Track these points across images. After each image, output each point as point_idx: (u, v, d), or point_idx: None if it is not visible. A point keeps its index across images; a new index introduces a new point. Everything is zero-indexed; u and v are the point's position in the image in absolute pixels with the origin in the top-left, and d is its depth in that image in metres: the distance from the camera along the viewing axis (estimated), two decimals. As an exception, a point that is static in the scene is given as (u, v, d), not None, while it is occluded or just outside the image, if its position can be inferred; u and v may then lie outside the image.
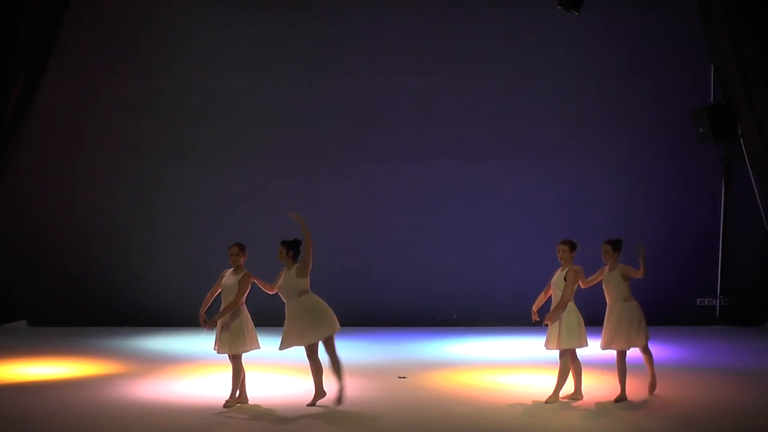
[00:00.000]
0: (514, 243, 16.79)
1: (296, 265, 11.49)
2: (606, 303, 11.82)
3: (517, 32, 16.65)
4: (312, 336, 11.39)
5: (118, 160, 16.67)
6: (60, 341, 15.31)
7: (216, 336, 11.56)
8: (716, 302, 16.92)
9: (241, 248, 11.82)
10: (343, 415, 11.24)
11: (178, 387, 12.46)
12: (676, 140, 16.63)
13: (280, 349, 11.49)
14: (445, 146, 16.77)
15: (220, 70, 16.62)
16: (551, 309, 11.71)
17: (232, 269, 11.77)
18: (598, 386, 12.21)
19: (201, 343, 15.08)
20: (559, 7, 14.70)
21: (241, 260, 11.78)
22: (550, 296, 11.86)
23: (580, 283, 11.79)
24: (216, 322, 11.50)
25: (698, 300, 16.86)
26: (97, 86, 16.53)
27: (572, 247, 11.86)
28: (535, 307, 11.91)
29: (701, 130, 15.71)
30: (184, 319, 16.20)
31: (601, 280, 11.84)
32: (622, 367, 11.72)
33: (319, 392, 11.49)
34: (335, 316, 11.53)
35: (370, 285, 16.63)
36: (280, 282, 11.54)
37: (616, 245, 11.84)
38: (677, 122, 16.46)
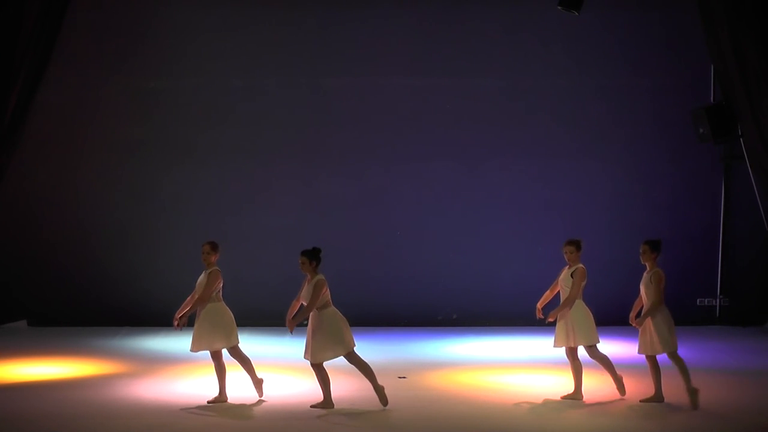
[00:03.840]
0: (514, 243, 16.80)
1: (316, 278, 11.35)
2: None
3: (517, 32, 16.65)
4: (327, 354, 11.30)
5: (118, 160, 16.67)
6: (60, 341, 15.31)
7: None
8: (716, 302, 16.93)
9: (213, 246, 11.77)
10: (343, 414, 11.24)
11: (178, 387, 12.46)
12: (676, 140, 16.63)
13: (304, 357, 11.43)
14: (445, 146, 16.77)
15: (220, 70, 16.62)
16: (559, 306, 11.71)
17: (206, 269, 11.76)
18: (598, 386, 12.20)
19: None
20: (559, 7, 14.70)
21: (213, 258, 11.71)
22: (556, 294, 11.86)
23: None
24: (185, 320, 11.49)
25: (698, 300, 16.87)
26: (97, 86, 16.53)
27: (578, 246, 11.84)
28: (539, 305, 11.91)
29: (701, 130, 15.71)
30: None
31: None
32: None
33: (327, 403, 11.48)
34: (351, 335, 11.40)
35: (370, 285, 16.63)
36: (302, 292, 11.44)
37: (654, 246, 11.71)
38: (677, 122, 16.47)
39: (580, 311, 11.71)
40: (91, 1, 16.01)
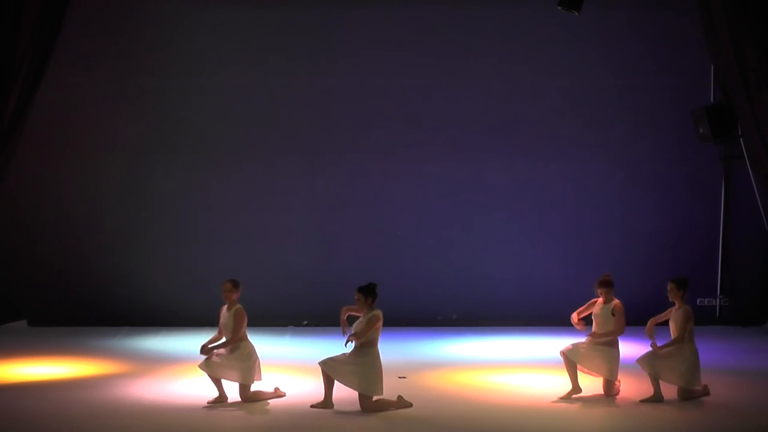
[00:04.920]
0: (513, 243, 16.78)
1: (370, 314, 11.33)
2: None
3: (517, 32, 16.64)
4: (352, 385, 11.33)
5: (118, 160, 16.66)
6: (60, 341, 15.30)
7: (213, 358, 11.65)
8: (716, 302, 16.92)
9: (235, 284, 11.74)
10: (343, 415, 11.24)
11: (178, 387, 12.46)
12: (676, 140, 16.63)
13: (321, 366, 11.44)
14: (445, 146, 16.76)
15: (219, 69, 16.60)
16: (598, 336, 11.87)
17: (226, 305, 11.75)
18: (597, 386, 12.18)
19: (200, 343, 15.08)
20: (559, 7, 14.68)
21: (234, 296, 11.71)
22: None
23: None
24: (211, 350, 11.56)
25: (698, 300, 16.84)
26: (96, 86, 16.52)
27: (613, 285, 11.95)
28: (577, 314, 12.01)
29: (701, 130, 15.71)
30: (184, 319, 16.21)
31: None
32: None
33: (328, 403, 11.47)
34: (381, 384, 11.38)
35: (370, 285, 16.60)
36: (355, 324, 11.45)
37: (680, 284, 11.89)
38: (677, 122, 16.46)
39: (616, 348, 11.92)
40: (91, 0, 16.00)
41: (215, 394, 11.70)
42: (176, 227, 16.72)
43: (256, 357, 11.73)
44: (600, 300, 12.00)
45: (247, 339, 11.75)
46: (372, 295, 11.35)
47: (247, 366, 11.62)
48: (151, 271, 16.68)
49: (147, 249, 16.71)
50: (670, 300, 11.92)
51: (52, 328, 16.28)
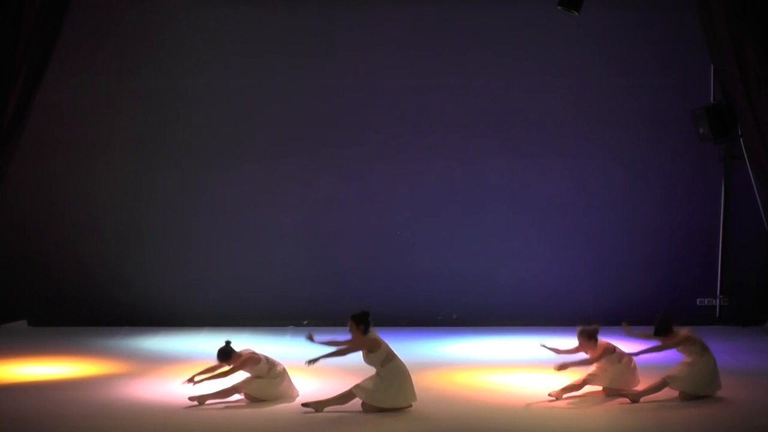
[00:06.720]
0: (514, 243, 16.79)
1: (361, 339, 11.38)
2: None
3: (518, 32, 16.64)
4: (387, 402, 11.34)
5: (118, 160, 16.66)
6: (60, 341, 15.30)
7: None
8: (716, 302, 16.92)
9: (224, 356, 11.63)
10: (343, 415, 11.24)
11: (178, 387, 12.44)
12: (676, 140, 16.63)
13: (354, 390, 11.41)
14: (445, 146, 16.76)
15: (218, 69, 16.60)
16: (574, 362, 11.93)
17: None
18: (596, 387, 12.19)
19: (200, 343, 15.10)
20: (559, 7, 14.68)
21: (225, 367, 11.70)
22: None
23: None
24: (196, 378, 11.60)
25: (698, 300, 16.86)
26: (96, 86, 16.52)
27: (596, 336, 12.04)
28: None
29: (701, 130, 15.71)
30: (184, 320, 16.22)
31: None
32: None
33: (322, 403, 11.45)
34: (413, 389, 11.46)
35: (370, 285, 16.61)
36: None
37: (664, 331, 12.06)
38: (677, 122, 16.47)
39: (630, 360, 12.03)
40: (91, 0, 15.99)
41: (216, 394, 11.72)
42: (176, 227, 16.72)
43: (281, 381, 11.80)
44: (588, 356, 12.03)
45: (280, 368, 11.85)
46: (364, 322, 11.41)
47: (268, 382, 11.72)
48: (150, 271, 16.68)
49: (146, 249, 16.71)
50: (670, 346, 12.04)
51: (52, 328, 16.28)
